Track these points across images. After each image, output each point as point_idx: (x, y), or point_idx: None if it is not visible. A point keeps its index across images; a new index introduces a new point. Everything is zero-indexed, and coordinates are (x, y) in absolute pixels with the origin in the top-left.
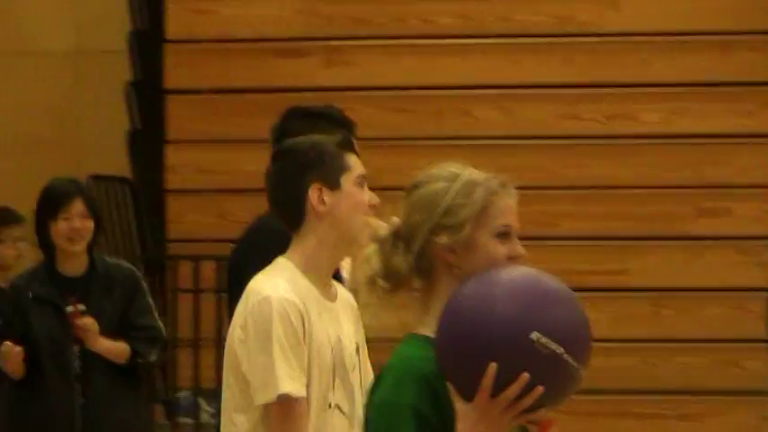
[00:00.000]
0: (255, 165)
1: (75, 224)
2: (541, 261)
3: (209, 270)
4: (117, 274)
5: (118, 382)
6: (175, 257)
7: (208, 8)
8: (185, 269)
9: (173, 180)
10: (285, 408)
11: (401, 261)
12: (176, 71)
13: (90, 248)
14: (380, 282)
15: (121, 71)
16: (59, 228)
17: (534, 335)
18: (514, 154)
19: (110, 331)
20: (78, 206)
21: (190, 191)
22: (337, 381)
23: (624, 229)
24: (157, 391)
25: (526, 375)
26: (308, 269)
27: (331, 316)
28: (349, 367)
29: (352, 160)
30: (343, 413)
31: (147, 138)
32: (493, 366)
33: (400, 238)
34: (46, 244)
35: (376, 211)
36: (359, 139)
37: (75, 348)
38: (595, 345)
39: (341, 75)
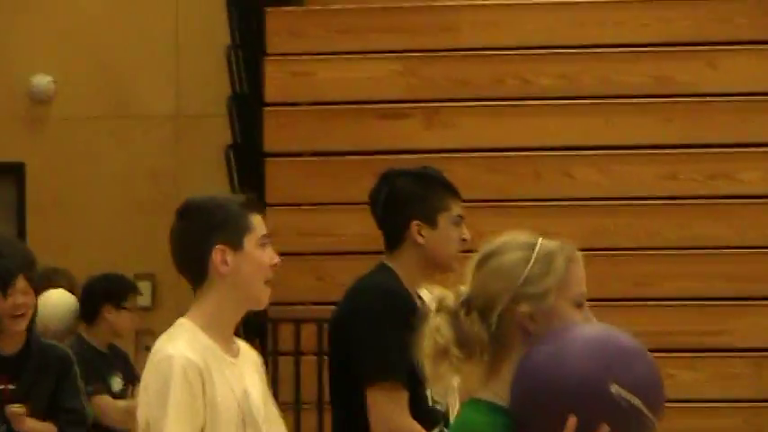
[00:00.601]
0: (355, 227)
1: (18, 300)
2: (641, 323)
3: (309, 333)
4: (51, 355)
5: None
6: (276, 320)
7: (306, 71)
8: (286, 332)
9: (273, 243)
10: None
11: (480, 330)
12: (275, 134)
13: (29, 327)
14: (455, 351)
15: (221, 134)
16: (5, 305)
17: (614, 388)
18: (614, 214)
19: (39, 411)
20: (21, 282)
21: (289, 254)
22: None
23: (725, 289)
24: None
25: (606, 428)
26: (210, 327)
27: (233, 371)
28: (258, 419)
29: (256, 221)
30: None
31: None
32: (573, 420)
33: (474, 306)
34: None
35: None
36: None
37: (3, 428)
38: (698, 405)
39: (440, 136)
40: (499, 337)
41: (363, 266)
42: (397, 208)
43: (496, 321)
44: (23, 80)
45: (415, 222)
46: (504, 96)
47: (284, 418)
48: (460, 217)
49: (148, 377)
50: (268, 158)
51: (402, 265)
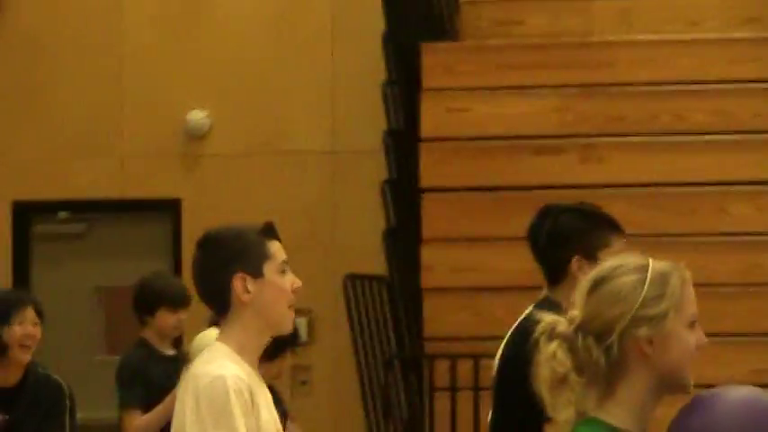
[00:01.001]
0: (511, 263)
1: (28, 330)
2: None
3: (465, 368)
4: (45, 386)
5: None
6: (432, 356)
7: (462, 107)
8: (442, 367)
9: (428, 279)
10: None
11: (598, 355)
12: (431, 169)
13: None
14: (574, 377)
15: (377, 170)
16: (16, 334)
17: None
18: None
19: None
20: (30, 313)
21: (445, 289)
22: None
23: None
24: None
25: None
26: (242, 353)
27: (267, 397)
28: None
29: (274, 248)
30: None
31: (403, 236)
32: None
33: (589, 332)
34: None
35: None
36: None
37: None
38: None
39: (595, 171)
40: (616, 361)
41: (519, 301)
42: (560, 243)
43: (613, 345)
44: (179, 116)
45: (576, 258)
46: (659, 132)
47: None
48: (621, 252)
49: (200, 400)
50: (424, 194)
51: (566, 299)
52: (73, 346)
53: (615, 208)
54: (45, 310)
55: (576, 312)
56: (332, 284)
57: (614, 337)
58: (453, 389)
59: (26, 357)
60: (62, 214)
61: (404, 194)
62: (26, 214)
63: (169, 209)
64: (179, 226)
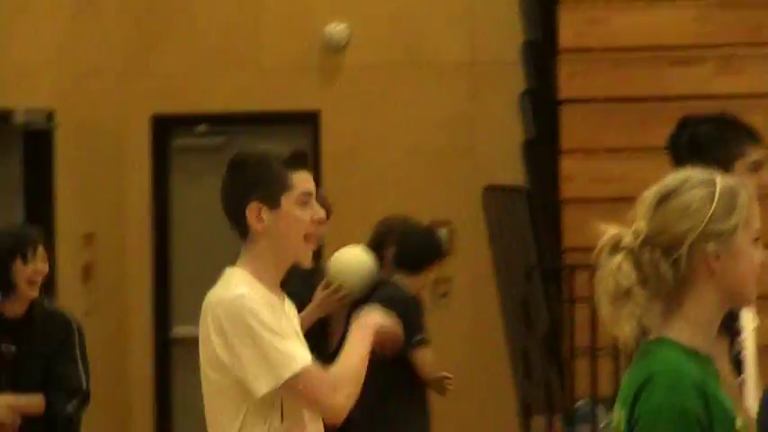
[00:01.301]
0: (650, 173)
1: (38, 267)
2: None
3: None
4: (53, 321)
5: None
6: (572, 267)
7: (601, 17)
8: (582, 278)
9: (568, 189)
10: (308, 375)
11: (667, 269)
12: (569, 81)
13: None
14: (639, 291)
15: (515, 81)
16: (26, 271)
17: None
18: None
19: (36, 377)
20: (40, 251)
21: (585, 200)
22: None
23: None
24: (556, 401)
25: None
26: (259, 279)
27: (287, 318)
28: None
29: (298, 178)
30: None
31: (542, 147)
32: None
33: (657, 245)
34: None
35: (321, 225)
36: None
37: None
38: None
39: (733, 82)
40: (682, 276)
41: None
42: (698, 153)
43: (680, 260)
44: (318, 28)
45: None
46: None
47: (580, 363)
48: (757, 163)
49: (224, 323)
50: (563, 105)
51: None
52: (212, 259)
53: (753, 119)
54: (184, 224)
55: (641, 225)
56: (471, 196)
57: (682, 251)
58: (593, 299)
59: (34, 293)
60: (201, 127)
61: (543, 106)
62: (165, 127)
63: (308, 121)
64: (318, 138)
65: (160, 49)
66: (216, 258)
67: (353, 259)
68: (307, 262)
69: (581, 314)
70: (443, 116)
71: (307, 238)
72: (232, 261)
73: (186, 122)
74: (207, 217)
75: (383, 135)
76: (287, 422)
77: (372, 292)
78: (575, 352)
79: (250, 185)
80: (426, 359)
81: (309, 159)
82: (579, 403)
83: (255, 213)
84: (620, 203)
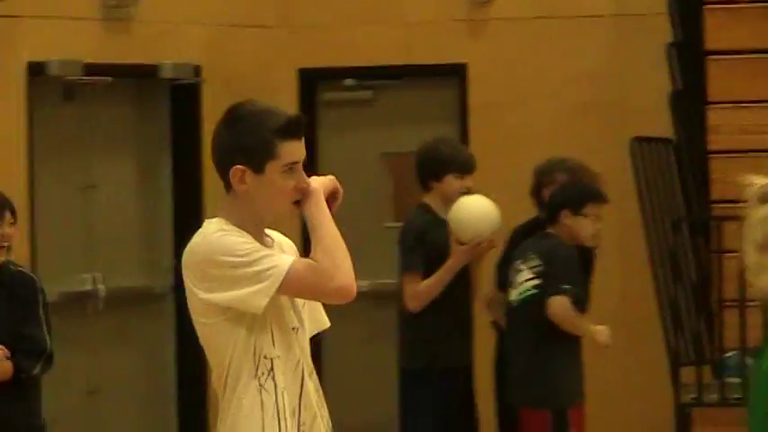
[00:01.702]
0: None
1: (5, 231)
2: None
3: None
4: (19, 283)
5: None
6: (720, 218)
7: None
8: (730, 230)
9: (715, 141)
10: (297, 272)
11: None
12: (716, 32)
13: None
14: None
15: (662, 33)
16: None
17: None
18: None
19: (4, 338)
20: (8, 215)
21: (731, 152)
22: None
23: None
24: (705, 352)
25: None
26: (240, 226)
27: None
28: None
29: (286, 148)
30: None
31: (689, 99)
32: None
33: None
34: None
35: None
36: None
37: None
38: None
39: None
40: None
41: None
42: None
43: None
44: None
45: None
46: None
47: (729, 314)
48: None
49: (203, 266)
50: (710, 57)
51: None
52: (360, 212)
53: None
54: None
55: None
56: (619, 148)
57: None
58: (741, 251)
59: (2, 256)
60: (348, 81)
61: (689, 57)
62: (313, 81)
63: (455, 74)
64: (465, 91)
65: (307, 2)
66: (362, 211)
67: (480, 209)
68: (290, 218)
69: (729, 266)
70: (590, 68)
71: (295, 204)
72: (376, 215)
73: (333, 76)
74: (354, 171)
75: (530, 87)
76: (278, 349)
77: (523, 238)
78: (723, 303)
79: (237, 147)
80: (556, 308)
81: (303, 126)
82: (728, 354)
83: (239, 175)
84: (765, 155)
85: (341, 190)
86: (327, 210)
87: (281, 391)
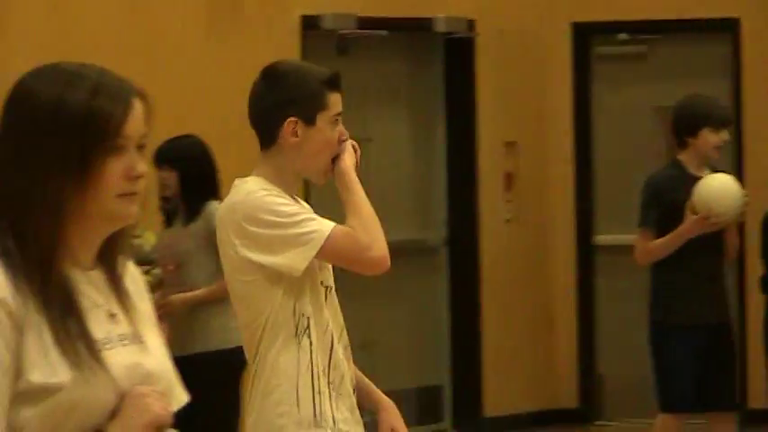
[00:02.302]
0: None
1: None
2: None
3: None
4: None
5: None
6: None
7: None
8: None
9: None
10: (337, 239)
11: None
12: None
13: None
14: None
15: None
16: None
17: None
18: None
19: None
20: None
21: None
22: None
23: None
24: None
25: None
26: (276, 184)
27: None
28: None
29: (333, 99)
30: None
31: None
32: None
33: None
34: None
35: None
36: None
37: None
38: None
39: None
40: None
41: None
42: None
43: None
44: None
45: None
46: None
47: None
48: None
49: (243, 224)
50: None
51: None
52: (632, 166)
53: None
54: (605, 132)
55: None
56: None
57: None
58: None
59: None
60: (622, 36)
61: None
62: (586, 35)
63: (728, 29)
64: (738, 47)
65: None
66: (634, 165)
67: (719, 187)
68: (321, 180)
69: None
70: None
71: (333, 158)
72: (648, 169)
73: (607, 30)
74: (628, 125)
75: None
76: (312, 307)
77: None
78: None
79: (290, 100)
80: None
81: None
82: None
83: (291, 128)
84: None
85: (359, 151)
86: (358, 182)
87: (314, 349)
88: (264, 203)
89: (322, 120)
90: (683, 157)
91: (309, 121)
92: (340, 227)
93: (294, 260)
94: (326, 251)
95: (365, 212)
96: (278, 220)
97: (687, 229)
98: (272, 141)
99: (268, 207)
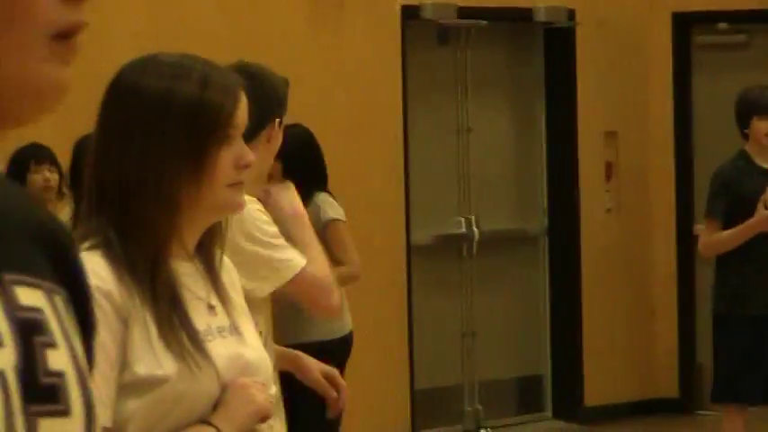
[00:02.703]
0: None
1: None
2: None
3: None
4: None
5: None
6: None
7: None
8: None
9: None
10: (305, 276)
11: None
12: None
13: None
14: None
15: None
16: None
17: None
18: None
19: None
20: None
21: None
22: None
23: None
24: None
25: None
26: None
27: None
28: None
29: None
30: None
31: None
32: None
33: None
34: None
35: None
36: None
37: None
38: None
39: None
40: None
41: None
42: None
43: None
44: None
45: None
46: None
47: None
48: None
49: (247, 229)
50: None
51: None
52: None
53: None
54: (706, 121)
55: None
56: None
57: None
58: None
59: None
60: (722, 25)
61: None
62: (686, 25)
63: None
64: None
65: None
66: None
67: None
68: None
69: None
70: None
71: None
72: None
73: (707, 20)
74: (728, 114)
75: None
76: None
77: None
78: None
79: (277, 104)
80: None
81: None
82: None
83: (274, 128)
84: None
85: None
86: (311, 228)
87: None
88: (255, 218)
89: (280, 120)
90: (748, 147)
91: (280, 123)
92: (309, 266)
93: (263, 282)
94: (293, 284)
95: (322, 259)
96: (262, 238)
97: (758, 222)
98: (249, 140)
99: (258, 222)
